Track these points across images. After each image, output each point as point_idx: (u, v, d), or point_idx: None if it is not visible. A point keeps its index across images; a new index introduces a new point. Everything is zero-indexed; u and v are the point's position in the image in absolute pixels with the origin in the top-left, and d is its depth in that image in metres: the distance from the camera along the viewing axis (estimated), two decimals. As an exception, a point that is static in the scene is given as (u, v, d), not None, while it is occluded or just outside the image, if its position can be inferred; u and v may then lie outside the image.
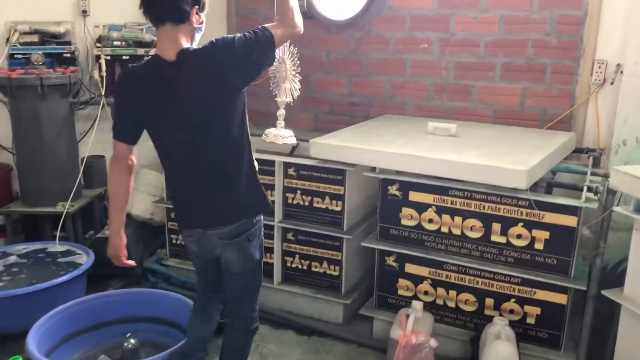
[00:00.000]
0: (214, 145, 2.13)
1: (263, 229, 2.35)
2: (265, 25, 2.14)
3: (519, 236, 2.74)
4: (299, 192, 3.29)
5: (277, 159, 3.26)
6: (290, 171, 3.27)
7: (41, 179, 3.71)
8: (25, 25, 3.87)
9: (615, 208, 2.45)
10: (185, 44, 2.07)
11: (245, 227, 2.22)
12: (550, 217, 2.66)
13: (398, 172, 2.93)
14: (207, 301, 2.47)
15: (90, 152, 4.13)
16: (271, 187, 3.25)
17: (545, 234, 2.69)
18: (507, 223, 2.75)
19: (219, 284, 2.38)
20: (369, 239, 3.11)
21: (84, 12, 4.06)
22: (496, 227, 2.78)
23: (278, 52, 2.28)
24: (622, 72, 3.00)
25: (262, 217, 2.32)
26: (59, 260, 3.45)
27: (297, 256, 3.36)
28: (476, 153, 2.70)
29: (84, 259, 3.44)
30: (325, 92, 3.88)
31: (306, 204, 3.28)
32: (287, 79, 2.48)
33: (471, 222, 2.82)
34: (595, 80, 3.11)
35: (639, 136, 2.96)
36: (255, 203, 2.26)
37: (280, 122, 2.54)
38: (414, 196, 2.93)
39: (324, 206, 3.24)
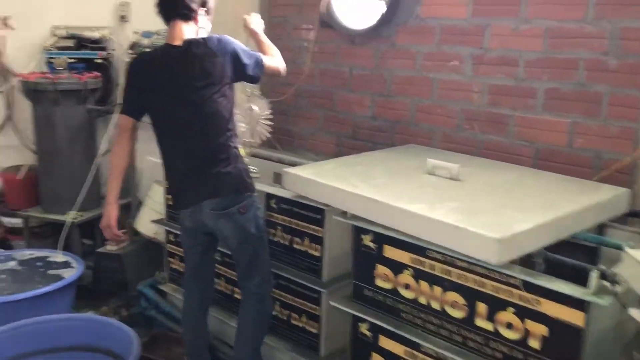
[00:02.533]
0: (208, 125, 2.38)
1: (259, 207, 2.54)
2: (261, 55, 2.56)
3: (509, 325, 2.00)
4: (279, 228, 2.81)
5: (259, 187, 2.81)
6: (272, 203, 2.81)
7: (55, 186, 3.65)
8: (63, 30, 3.85)
9: (632, 311, 1.65)
10: (190, 36, 2.41)
11: (236, 200, 2.41)
12: (548, 307, 1.89)
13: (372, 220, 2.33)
14: (194, 283, 2.67)
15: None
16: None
17: (542, 329, 1.92)
18: (495, 305, 2.02)
19: (204, 264, 2.65)
20: (341, 298, 2.53)
21: (123, 17, 3.95)
22: (481, 307, 2.06)
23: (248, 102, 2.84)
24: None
25: (254, 195, 2.49)
26: (49, 272, 3.32)
27: (278, 303, 2.88)
28: (454, 206, 2.03)
29: (72, 272, 3.28)
30: (348, 112, 3.34)
31: (286, 243, 2.79)
32: (257, 123, 2.86)
33: (452, 295, 2.13)
34: (668, 118, 2.24)
35: None
36: (243, 180, 2.43)
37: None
38: (389, 252, 2.31)
39: (303, 248, 2.72)
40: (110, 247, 3.54)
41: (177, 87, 2.40)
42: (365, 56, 3.19)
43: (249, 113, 2.85)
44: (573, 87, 2.49)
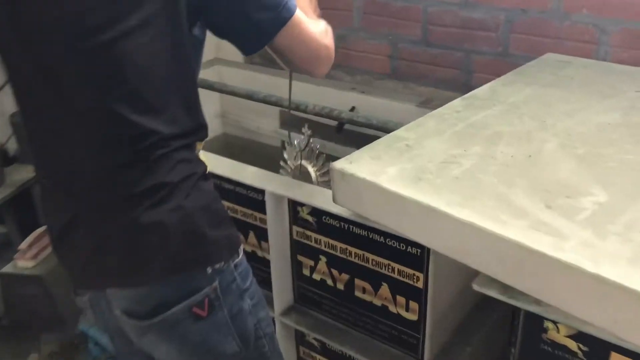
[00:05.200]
0: (112, 105, 0.86)
1: (246, 287, 1.01)
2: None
3: None
4: (322, 259, 1.41)
5: (268, 187, 1.37)
6: (303, 213, 1.38)
7: None
8: None
9: None
10: None
11: (181, 289, 0.94)
12: None
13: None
14: None
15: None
16: (262, 234, 1.42)
17: None
18: None
19: None
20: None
21: None
22: None
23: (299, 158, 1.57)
24: None
25: (233, 262, 0.98)
26: None
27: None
28: None
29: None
30: (412, -4, 1.81)
31: (340, 287, 1.41)
32: None
33: None
34: None
35: None
36: (199, 239, 0.93)
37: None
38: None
39: (379, 303, 1.35)
40: (22, 264, 2.13)
41: (44, 9, 0.86)
42: None
43: (300, 175, 1.61)
44: None
